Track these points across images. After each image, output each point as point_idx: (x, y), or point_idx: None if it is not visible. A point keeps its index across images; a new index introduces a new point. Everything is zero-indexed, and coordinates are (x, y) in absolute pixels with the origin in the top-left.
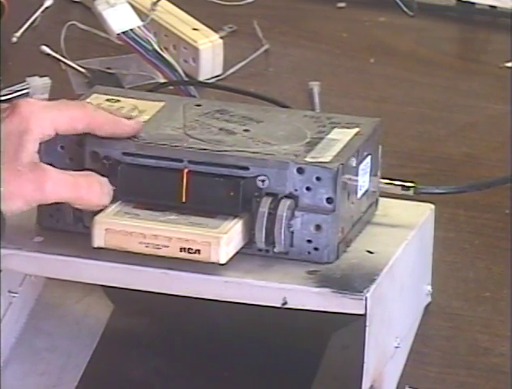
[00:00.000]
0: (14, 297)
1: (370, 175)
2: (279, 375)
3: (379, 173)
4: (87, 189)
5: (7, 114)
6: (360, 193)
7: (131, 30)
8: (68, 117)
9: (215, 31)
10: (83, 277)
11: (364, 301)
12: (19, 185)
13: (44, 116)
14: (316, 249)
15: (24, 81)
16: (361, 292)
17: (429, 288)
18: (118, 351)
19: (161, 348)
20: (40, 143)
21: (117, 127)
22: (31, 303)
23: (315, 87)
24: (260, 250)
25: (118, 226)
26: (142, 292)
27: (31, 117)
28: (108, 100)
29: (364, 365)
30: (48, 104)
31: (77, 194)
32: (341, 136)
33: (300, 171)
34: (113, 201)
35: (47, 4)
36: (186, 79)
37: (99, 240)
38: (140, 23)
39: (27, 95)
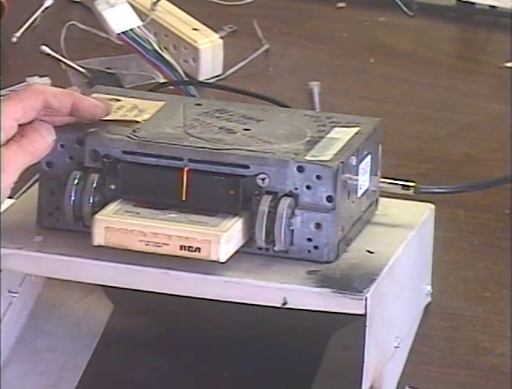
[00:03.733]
0: (14, 297)
1: (370, 174)
2: (279, 375)
3: (379, 173)
4: (30, 142)
5: None
6: (360, 192)
7: (131, 30)
8: (18, 101)
9: (215, 31)
10: (83, 277)
11: (364, 301)
12: None
13: None
14: (316, 247)
15: (24, 81)
16: (361, 292)
17: (429, 288)
18: (118, 351)
19: (161, 348)
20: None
21: (73, 99)
22: (31, 303)
23: (315, 87)
24: (260, 248)
25: (118, 224)
26: (142, 292)
27: None
28: (108, 99)
29: (364, 365)
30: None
31: (28, 155)
32: (341, 135)
33: (300, 169)
34: (114, 199)
35: (47, 4)
36: (186, 79)
37: (99, 238)
38: (140, 23)
39: None
